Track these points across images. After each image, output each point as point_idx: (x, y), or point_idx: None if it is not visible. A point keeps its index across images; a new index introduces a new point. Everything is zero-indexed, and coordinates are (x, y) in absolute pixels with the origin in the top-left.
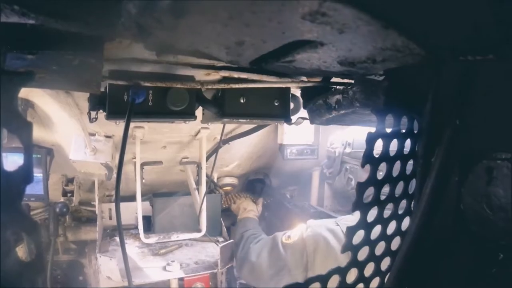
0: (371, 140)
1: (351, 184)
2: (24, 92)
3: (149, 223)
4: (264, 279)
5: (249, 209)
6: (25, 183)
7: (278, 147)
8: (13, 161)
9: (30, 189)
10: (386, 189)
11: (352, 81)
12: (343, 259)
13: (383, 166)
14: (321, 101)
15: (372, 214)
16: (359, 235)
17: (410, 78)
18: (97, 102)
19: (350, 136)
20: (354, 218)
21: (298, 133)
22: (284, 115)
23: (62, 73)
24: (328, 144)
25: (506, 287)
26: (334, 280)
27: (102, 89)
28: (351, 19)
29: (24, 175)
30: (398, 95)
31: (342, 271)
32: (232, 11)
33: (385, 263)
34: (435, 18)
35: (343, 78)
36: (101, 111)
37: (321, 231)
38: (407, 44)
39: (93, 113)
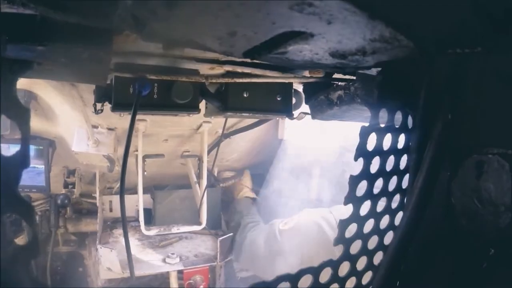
0: (364, 134)
1: None
2: (28, 84)
3: (149, 216)
4: (260, 264)
5: (243, 187)
6: (21, 167)
7: (279, 142)
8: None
9: (31, 181)
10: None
11: (354, 78)
12: (337, 247)
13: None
14: (323, 96)
15: (364, 208)
16: (352, 228)
17: (404, 73)
18: (103, 94)
19: None
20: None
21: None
22: (286, 110)
23: (70, 66)
24: None
25: (496, 282)
26: (326, 272)
27: (108, 82)
28: (337, 9)
29: (21, 160)
30: (392, 89)
31: (334, 264)
32: (222, 2)
33: (378, 258)
34: (421, 10)
35: (341, 74)
36: (105, 103)
37: (315, 219)
38: (395, 35)
39: (98, 105)
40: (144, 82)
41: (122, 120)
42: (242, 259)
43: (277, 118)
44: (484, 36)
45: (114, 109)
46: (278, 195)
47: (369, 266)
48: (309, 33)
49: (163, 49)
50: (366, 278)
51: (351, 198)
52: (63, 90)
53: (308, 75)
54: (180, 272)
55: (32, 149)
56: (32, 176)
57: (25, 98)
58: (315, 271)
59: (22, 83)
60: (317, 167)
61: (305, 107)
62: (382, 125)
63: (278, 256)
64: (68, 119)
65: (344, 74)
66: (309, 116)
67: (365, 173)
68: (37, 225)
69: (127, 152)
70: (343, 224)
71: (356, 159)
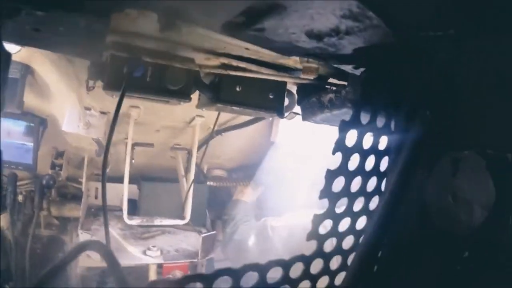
0: (344, 128)
1: None
2: (26, 58)
3: (134, 208)
4: (247, 257)
5: (244, 191)
6: None
7: (271, 145)
8: (6, 127)
9: (19, 157)
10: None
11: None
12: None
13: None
14: (314, 98)
15: (341, 206)
16: (327, 224)
17: (388, 73)
18: (96, 72)
19: None
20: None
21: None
22: (278, 109)
23: (67, 36)
24: None
25: (469, 286)
26: (298, 267)
27: (104, 60)
28: None
29: None
30: (376, 89)
31: (306, 260)
32: None
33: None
34: None
35: (331, 76)
36: (98, 85)
37: (309, 218)
38: (363, 11)
39: (90, 82)
40: (138, 61)
41: (115, 104)
42: (230, 249)
43: (270, 119)
44: (455, 20)
45: (106, 87)
46: (266, 197)
47: (344, 266)
48: (281, 5)
49: (160, 32)
50: (340, 278)
51: (327, 193)
52: (60, 67)
53: (302, 77)
54: (160, 266)
55: (23, 125)
56: (20, 153)
57: (21, 71)
58: (286, 264)
59: (22, 56)
60: (308, 170)
61: (298, 109)
62: (364, 123)
63: (267, 251)
64: (63, 98)
65: (339, 79)
66: (308, 122)
67: (342, 169)
68: (21, 205)
69: (113, 128)
70: (318, 219)
71: (333, 153)
